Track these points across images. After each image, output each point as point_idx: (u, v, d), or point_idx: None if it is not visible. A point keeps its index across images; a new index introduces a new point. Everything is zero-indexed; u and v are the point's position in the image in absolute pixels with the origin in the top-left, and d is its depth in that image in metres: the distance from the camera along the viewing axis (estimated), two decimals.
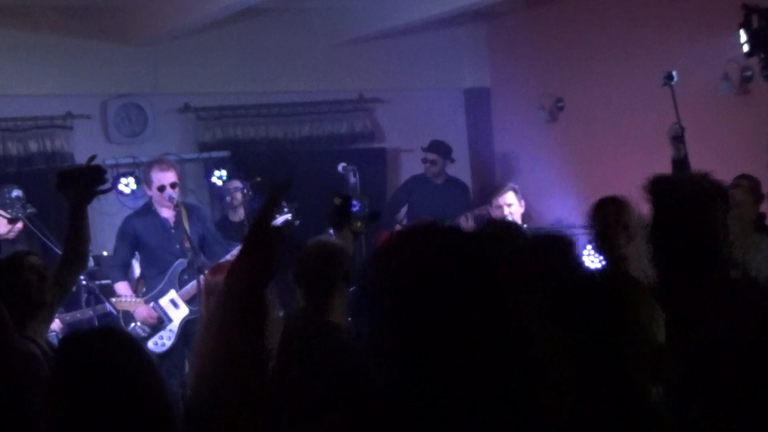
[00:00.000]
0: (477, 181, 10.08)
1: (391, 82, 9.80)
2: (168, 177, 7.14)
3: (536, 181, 9.16)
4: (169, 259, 7.11)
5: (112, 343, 2.35)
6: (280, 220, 7.55)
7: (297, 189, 8.58)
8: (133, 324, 7.02)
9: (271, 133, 9.47)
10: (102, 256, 7.88)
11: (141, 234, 7.18)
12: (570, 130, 9.27)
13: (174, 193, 7.12)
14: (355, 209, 4.41)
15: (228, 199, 8.31)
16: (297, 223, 7.57)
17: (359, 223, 4.41)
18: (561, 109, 9.46)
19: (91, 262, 6.99)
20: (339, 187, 8.11)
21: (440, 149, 8.86)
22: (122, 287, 7.15)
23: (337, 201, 4.40)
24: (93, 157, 4.13)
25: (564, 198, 8.84)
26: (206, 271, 5.41)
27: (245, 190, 7.87)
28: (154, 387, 2.30)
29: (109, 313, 7.01)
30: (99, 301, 6.98)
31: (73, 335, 2.57)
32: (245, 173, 8.32)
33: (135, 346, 2.41)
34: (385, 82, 9.79)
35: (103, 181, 4.01)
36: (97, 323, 6.78)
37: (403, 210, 8.93)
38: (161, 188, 7.11)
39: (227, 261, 5.90)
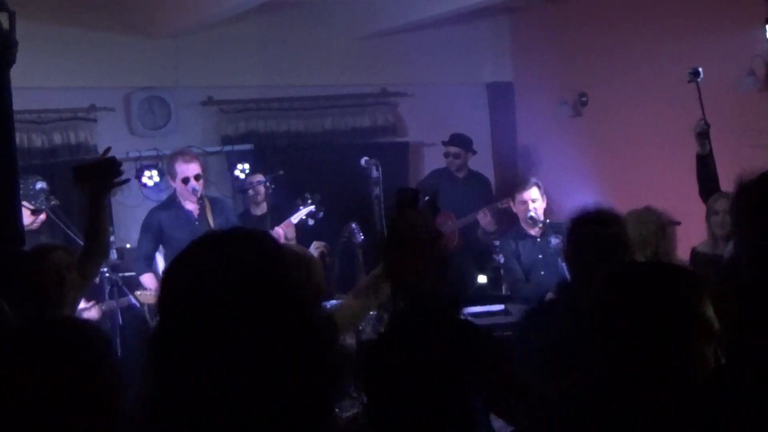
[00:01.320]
0: (499, 175, 10.05)
1: (414, 76, 9.78)
2: (192, 168, 7.14)
3: (559, 175, 9.12)
4: None
5: (75, 333, 2.20)
6: (303, 211, 7.55)
7: (319, 182, 8.59)
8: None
9: (294, 126, 9.48)
10: (125, 248, 7.90)
11: (165, 227, 7.18)
12: (593, 125, 9.22)
13: (198, 186, 7.12)
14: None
15: (251, 192, 8.30)
16: (320, 215, 7.57)
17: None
18: (584, 103, 9.41)
19: (113, 255, 7.03)
20: (361, 181, 8.10)
21: (462, 141, 8.84)
22: (148, 279, 7.16)
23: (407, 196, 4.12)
24: (108, 150, 4.15)
25: (586, 193, 8.80)
26: None
27: (267, 184, 7.86)
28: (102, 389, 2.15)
29: (133, 306, 7.01)
30: (122, 294, 6.98)
31: (46, 320, 2.52)
32: (267, 167, 8.31)
33: (101, 344, 2.18)
34: (407, 76, 9.77)
35: (119, 174, 4.01)
36: (120, 315, 6.79)
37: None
38: (185, 180, 7.12)
39: None
